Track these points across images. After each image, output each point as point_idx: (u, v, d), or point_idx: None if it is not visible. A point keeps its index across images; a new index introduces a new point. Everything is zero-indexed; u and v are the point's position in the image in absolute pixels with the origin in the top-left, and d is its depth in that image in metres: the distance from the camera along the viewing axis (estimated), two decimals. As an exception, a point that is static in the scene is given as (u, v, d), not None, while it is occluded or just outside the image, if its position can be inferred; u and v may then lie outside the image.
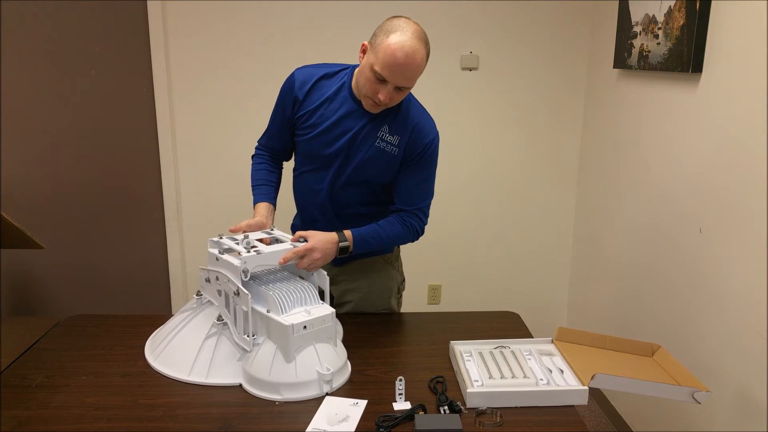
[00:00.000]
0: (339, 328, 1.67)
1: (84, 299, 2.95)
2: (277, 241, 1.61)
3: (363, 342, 1.67)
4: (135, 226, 2.89)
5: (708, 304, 1.90)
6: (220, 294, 1.54)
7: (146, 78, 2.72)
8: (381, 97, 1.51)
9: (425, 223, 1.74)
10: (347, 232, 1.62)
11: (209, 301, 1.60)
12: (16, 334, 1.72)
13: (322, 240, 1.57)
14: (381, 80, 1.50)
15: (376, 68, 1.48)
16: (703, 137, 1.92)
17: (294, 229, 1.78)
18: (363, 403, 1.37)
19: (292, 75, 1.69)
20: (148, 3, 2.63)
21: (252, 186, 1.79)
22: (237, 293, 1.46)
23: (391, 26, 1.49)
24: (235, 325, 1.49)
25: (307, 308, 1.48)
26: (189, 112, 2.78)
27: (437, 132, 1.68)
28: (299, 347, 1.42)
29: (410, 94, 1.68)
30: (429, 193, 1.73)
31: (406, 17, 1.53)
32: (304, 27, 2.70)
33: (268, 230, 1.67)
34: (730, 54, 1.78)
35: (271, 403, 1.38)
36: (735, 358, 1.77)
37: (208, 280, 1.59)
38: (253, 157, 1.86)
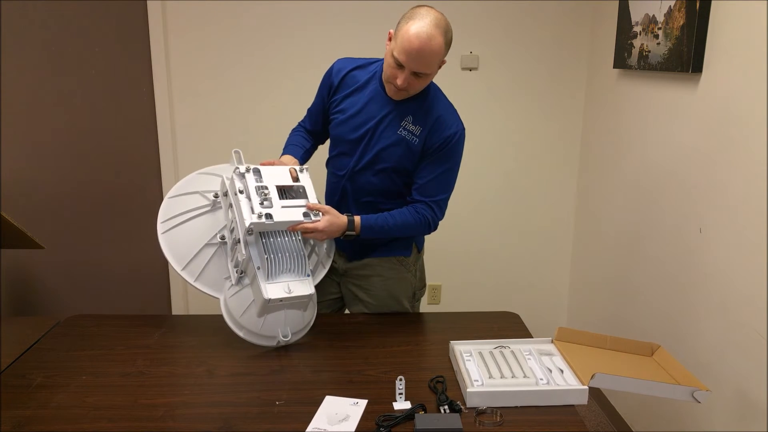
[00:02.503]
0: (330, 251, 1.80)
1: (84, 299, 2.95)
2: (302, 191, 1.66)
3: (363, 342, 1.67)
4: (135, 226, 2.89)
5: (708, 303, 1.90)
6: (228, 215, 1.64)
7: (146, 78, 2.72)
8: (398, 82, 1.57)
9: (439, 217, 1.74)
10: (357, 219, 1.67)
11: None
12: (16, 334, 1.72)
13: (333, 223, 1.63)
14: (399, 66, 1.56)
15: (395, 54, 1.55)
16: (703, 137, 1.92)
17: None
18: (363, 403, 1.37)
19: (333, 64, 1.79)
20: (148, 3, 2.63)
21: (283, 149, 1.87)
22: (239, 241, 1.57)
23: (412, 14, 1.55)
24: (231, 252, 1.62)
25: (294, 280, 1.59)
26: (189, 112, 2.78)
27: (462, 128, 1.70)
28: (272, 310, 1.58)
29: (438, 89, 1.74)
30: (446, 187, 1.73)
31: (429, 6, 1.58)
32: (304, 27, 2.70)
33: (298, 168, 1.70)
34: (730, 54, 1.79)
35: (272, 402, 1.38)
36: (735, 358, 1.77)
37: (225, 194, 1.67)
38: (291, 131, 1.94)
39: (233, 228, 1.61)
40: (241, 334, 1.61)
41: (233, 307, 1.61)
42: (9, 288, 2.89)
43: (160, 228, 1.68)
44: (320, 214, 1.62)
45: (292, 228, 1.59)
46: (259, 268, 1.56)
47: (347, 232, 1.65)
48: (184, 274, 1.64)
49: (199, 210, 1.69)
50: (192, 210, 1.69)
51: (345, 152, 1.75)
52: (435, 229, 1.76)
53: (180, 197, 1.72)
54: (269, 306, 1.55)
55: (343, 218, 1.65)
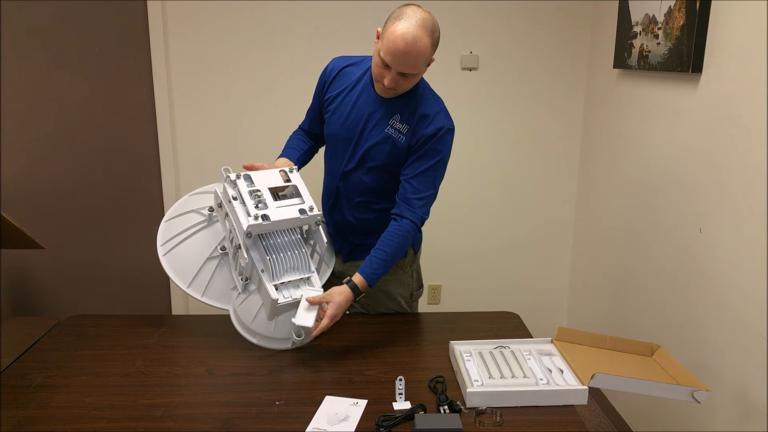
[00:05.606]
0: (331, 263, 1.80)
1: (84, 299, 2.95)
2: (295, 190, 1.66)
3: (363, 342, 1.67)
4: (135, 226, 2.89)
5: (708, 303, 1.90)
6: (226, 225, 1.64)
7: (146, 78, 2.72)
8: (385, 81, 1.56)
9: (423, 216, 1.68)
10: (357, 277, 1.60)
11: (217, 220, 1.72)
12: (16, 334, 1.72)
13: (340, 304, 1.55)
14: (386, 66, 1.55)
15: (382, 54, 1.54)
16: (703, 137, 1.92)
17: None
18: (363, 403, 1.37)
19: (329, 63, 1.79)
20: (148, 3, 2.63)
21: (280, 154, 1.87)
22: (239, 247, 1.56)
23: (399, 13, 1.53)
24: (234, 260, 1.62)
25: (299, 278, 1.59)
26: (189, 112, 2.78)
27: (449, 126, 1.67)
28: (282, 311, 1.57)
29: (428, 87, 1.72)
30: (431, 185, 1.68)
31: (416, 5, 1.55)
32: (304, 27, 2.70)
33: (287, 169, 1.70)
34: (730, 54, 1.79)
35: (272, 402, 1.38)
36: (735, 358, 1.77)
37: (220, 206, 1.67)
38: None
39: (232, 237, 1.61)
40: (254, 340, 1.61)
41: (243, 314, 1.61)
42: (9, 288, 2.89)
43: (161, 251, 1.68)
44: (325, 304, 1.55)
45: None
46: (263, 271, 1.56)
47: (358, 299, 1.59)
48: (190, 291, 1.64)
49: (197, 227, 1.69)
50: (189, 228, 1.69)
51: (337, 151, 1.75)
52: (421, 226, 1.72)
53: (176, 219, 1.73)
54: (278, 307, 1.55)
55: (345, 289, 1.58)
